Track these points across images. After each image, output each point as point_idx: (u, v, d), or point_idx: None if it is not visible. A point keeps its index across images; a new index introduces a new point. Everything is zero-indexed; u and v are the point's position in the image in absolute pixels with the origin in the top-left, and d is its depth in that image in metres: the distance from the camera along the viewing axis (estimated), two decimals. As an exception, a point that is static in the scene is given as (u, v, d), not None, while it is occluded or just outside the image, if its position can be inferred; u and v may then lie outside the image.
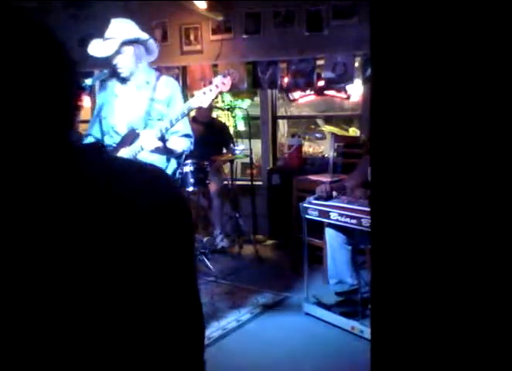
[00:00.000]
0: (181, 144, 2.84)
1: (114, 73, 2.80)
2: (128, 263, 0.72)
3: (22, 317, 0.68)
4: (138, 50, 2.74)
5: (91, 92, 5.43)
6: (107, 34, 2.68)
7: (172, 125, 2.66)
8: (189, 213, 0.84)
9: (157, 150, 2.70)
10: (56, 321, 0.68)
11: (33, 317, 0.68)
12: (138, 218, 0.73)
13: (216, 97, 3.10)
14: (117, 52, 2.68)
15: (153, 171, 0.83)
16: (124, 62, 2.72)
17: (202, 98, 2.69)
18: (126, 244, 0.72)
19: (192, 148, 2.90)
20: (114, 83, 2.85)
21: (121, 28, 2.69)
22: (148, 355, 0.75)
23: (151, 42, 2.80)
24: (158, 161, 2.80)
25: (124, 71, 2.74)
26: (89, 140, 2.93)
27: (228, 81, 2.75)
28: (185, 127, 2.85)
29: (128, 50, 2.70)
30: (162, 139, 2.69)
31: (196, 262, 0.87)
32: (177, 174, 3.02)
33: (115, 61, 2.71)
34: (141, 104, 2.78)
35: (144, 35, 2.75)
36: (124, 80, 2.80)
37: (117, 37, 2.66)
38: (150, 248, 0.74)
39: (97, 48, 2.67)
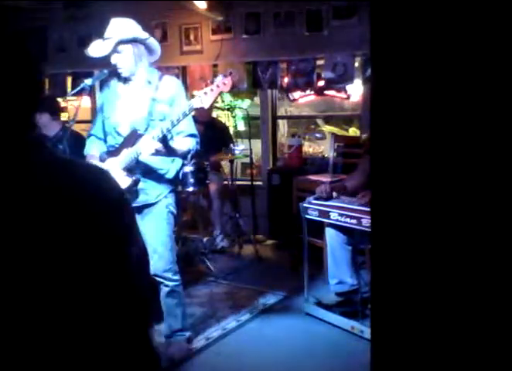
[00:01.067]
0: (186, 144, 2.82)
1: (116, 73, 2.79)
2: (65, 261, 0.73)
3: None
4: (137, 49, 2.72)
5: (91, 92, 5.43)
6: (106, 34, 2.68)
7: (173, 126, 2.65)
8: (128, 212, 0.86)
9: (158, 152, 2.68)
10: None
11: None
12: (74, 216, 0.75)
13: (217, 97, 3.09)
14: (115, 52, 2.67)
15: (93, 170, 0.85)
16: (124, 62, 2.71)
17: (203, 98, 2.68)
18: (62, 242, 0.73)
19: (198, 147, 2.88)
20: (116, 83, 2.84)
21: (119, 27, 2.68)
22: (90, 347, 0.76)
23: (152, 42, 2.78)
24: (162, 162, 2.79)
25: (124, 71, 2.74)
26: (91, 140, 2.93)
27: (229, 81, 2.74)
28: (189, 127, 2.84)
29: (127, 49, 2.69)
30: (163, 140, 2.67)
31: (127, 260, 0.86)
32: (180, 175, 3.01)
33: (114, 60, 2.70)
34: (143, 104, 2.77)
35: (143, 34, 2.73)
36: (126, 80, 2.79)
37: (114, 36, 2.65)
38: (87, 246, 0.75)
39: (95, 48, 2.66)
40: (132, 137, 2.73)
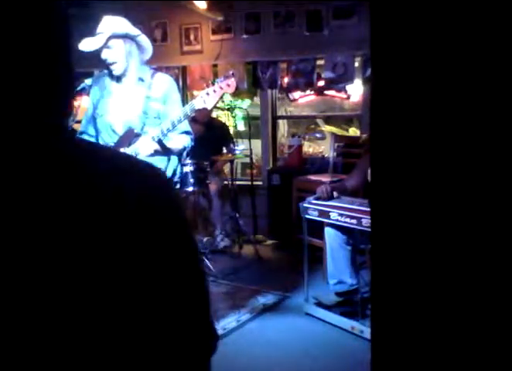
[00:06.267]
0: (181, 141, 2.82)
1: (108, 71, 2.79)
2: (119, 263, 0.70)
3: (21, 319, 0.66)
4: (128, 46, 2.71)
5: (89, 92, 5.42)
6: (98, 29, 2.68)
7: (174, 126, 2.65)
8: (183, 213, 0.81)
9: (156, 152, 2.68)
10: (52, 322, 0.67)
11: (31, 319, 0.66)
12: (129, 216, 0.71)
13: (220, 99, 3.08)
14: (106, 47, 2.67)
15: (147, 168, 0.82)
16: (114, 57, 2.69)
17: (206, 99, 2.67)
18: (116, 243, 0.70)
19: (192, 144, 2.88)
20: (108, 81, 2.84)
21: (110, 23, 2.68)
22: (148, 359, 0.73)
23: (143, 39, 2.76)
24: (159, 160, 2.79)
25: (115, 67, 2.72)
26: (83, 137, 2.91)
27: (233, 83, 2.73)
28: (183, 124, 2.83)
29: (118, 45, 2.68)
30: (159, 140, 2.67)
31: (200, 262, 0.83)
32: (178, 173, 3.01)
33: (105, 56, 2.69)
34: (137, 103, 2.76)
35: (134, 31, 2.72)
36: (118, 78, 2.79)
37: (106, 32, 2.65)
38: (142, 246, 0.71)
39: (86, 43, 2.65)
40: (128, 136, 2.72)
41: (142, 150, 2.64)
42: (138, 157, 2.65)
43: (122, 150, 2.69)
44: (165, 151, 2.74)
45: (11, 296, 0.66)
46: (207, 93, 2.67)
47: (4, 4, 0.63)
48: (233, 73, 2.80)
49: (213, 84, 2.72)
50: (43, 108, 0.70)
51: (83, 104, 3.22)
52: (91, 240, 0.68)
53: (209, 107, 2.73)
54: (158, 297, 0.73)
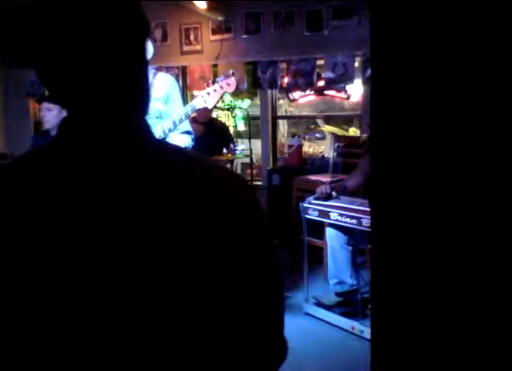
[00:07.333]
0: (181, 140, 2.81)
1: None
2: (197, 261, 0.71)
3: (97, 307, 0.68)
4: None
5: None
6: None
7: (175, 126, 2.64)
8: (262, 213, 0.80)
9: None
10: (129, 312, 0.69)
11: (108, 307, 0.68)
12: (208, 216, 0.71)
13: (221, 98, 3.08)
14: None
15: (224, 170, 0.82)
16: None
17: (206, 98, 2.67)
18: (195, 241, 0.71)
19: (192, 143, 2.88)
20: None
21: None
22: (219, 358, 0.74)
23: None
24: None
25: None
26: None
27: (233, 82, 2.73)
28: (184, 124, 2.83)
29: None
30: (163, 139, 2.68)
31: (276, 261, 0.84)
32: None
33: None
34: None
35: None
36: None
37: None
38: (219, 245, 0.72)
39: None
40: None
41: None
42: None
43: None
44: None
45: (87, 286, 0.68)
46: (208, 93, 2.67)
47: (105, 17, 0.70)
48: (233, 73, 2.80)
49: (213, 84, 2.72)
50: (122, 104, 0.74)
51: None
52: (175, 236, 0.70)
53: (209, 107, 2.72)
54: (231, 297, 0.74)
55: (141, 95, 0.78)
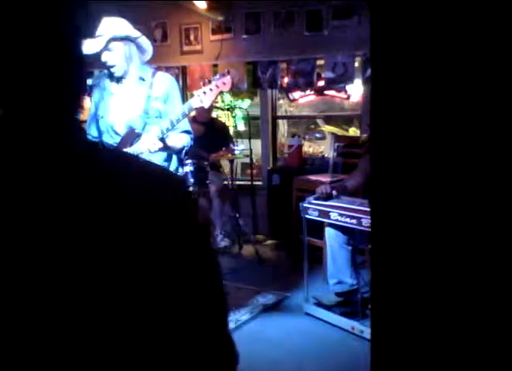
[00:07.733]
0: (181, 140, 2.82)
1: (108, 73, 2.78)
2: (128, 265, 0.69)
3: (23, 316, 0.66)
4: (128, 48, 2.71)
5: (91, 92, 5.42)
6: (98, 31, 2.67)
7: (173, 126, 2.65)
8: (194, 215, 0.80)
9: (159, 150, 2.69)
10: (56, 321, 0.67)
11: (34, 317, 0.66)
12: (139, 218, 0.70)
13: (217, 97, 3.08)
14: (106, 49, 2.66)
15: (158, 170, 0.81)
16: (114, 60, 2.69)
17: (202, 97, 2.67)
18: (126, 244, 0.69)
19: (192, 143, 2.88)
20: (107, 82, 2.84)
21: (111, 25, 2.67)
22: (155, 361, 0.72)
23: (143, 40, 2.76)
24: (159, 160, 2.79)
25: (115, 70, 2.72)
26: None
27: (228, 81, 2.73)
28: (183, 123, 2.83)
29: (118, 47, 2.67)
30: (162, 139, 2.68)
31: (215, 265, 0.82)
32: (178, 173, 3.01)
33: (105, 58, 2.69)
34: (138, 102, 2.76)
35: (134, 33, 2.71)
36: (118, 79, 2.79)
37: (106, 34, 2.64)
38: (151, 249, 0.71)
39: (86, 45, 2.64)
40: (130, 136, 2.72)
41: (145, 150, 2.64)
42: (144, 154, 2.66)
43: (124, 150, 2.69)
44: (165, 149, 2.74)
45: (14, 293, 0.66)
46: (204, 92, 2.67)
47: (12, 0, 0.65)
48: (228, 71, 2.80)
49: (209, 83, 2.72)
50: (55, 104, 0.71)
51: (86, 105, 3.21)
52: (106, 240, 0.68)
53: (206, 106, 2.72)
54: (168, 301, 0.72)
55: (73, 97, 0.75)
